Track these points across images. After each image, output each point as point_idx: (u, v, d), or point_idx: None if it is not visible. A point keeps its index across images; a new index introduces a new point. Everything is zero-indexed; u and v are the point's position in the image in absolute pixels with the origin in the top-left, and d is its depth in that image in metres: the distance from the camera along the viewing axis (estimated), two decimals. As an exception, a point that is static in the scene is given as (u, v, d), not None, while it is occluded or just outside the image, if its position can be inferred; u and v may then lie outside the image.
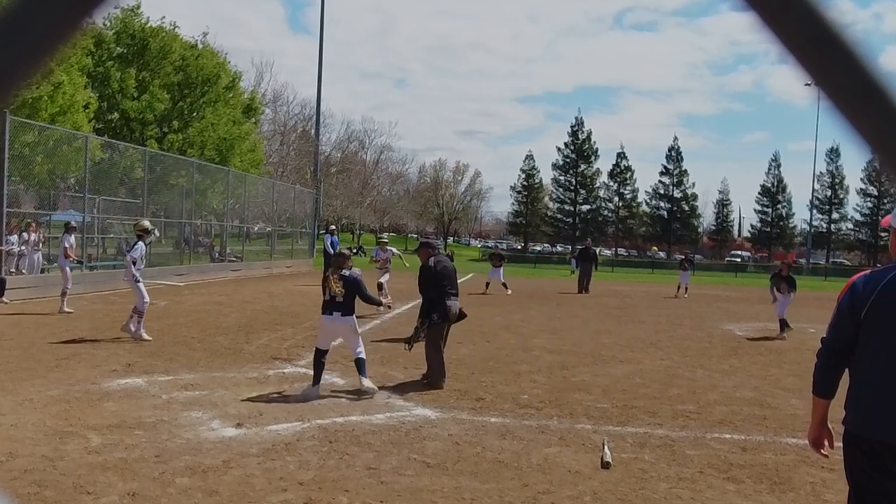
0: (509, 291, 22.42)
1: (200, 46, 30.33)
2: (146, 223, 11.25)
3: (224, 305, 15.83)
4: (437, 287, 8.27)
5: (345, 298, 7.45)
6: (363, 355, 7.61)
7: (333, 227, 25.88)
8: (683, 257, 27.09)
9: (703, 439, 6.37)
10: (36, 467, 4.88)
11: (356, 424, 6.32)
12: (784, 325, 14.36)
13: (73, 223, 14.86)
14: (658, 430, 6.60)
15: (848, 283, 3.02)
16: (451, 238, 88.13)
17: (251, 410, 6.65)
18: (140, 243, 10.82)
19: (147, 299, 10.55)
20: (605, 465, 5.41)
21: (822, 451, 3.14)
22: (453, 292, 8.43)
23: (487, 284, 22.78)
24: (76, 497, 4.42)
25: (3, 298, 13.66)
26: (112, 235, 23.16)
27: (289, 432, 6.00)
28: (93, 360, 8.79)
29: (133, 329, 10.35)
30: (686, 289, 24.53)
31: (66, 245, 13.81)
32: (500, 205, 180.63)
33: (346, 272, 7.51)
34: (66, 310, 13.10)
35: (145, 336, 10.30)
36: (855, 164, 78.50)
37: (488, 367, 9.33)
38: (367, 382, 7.48)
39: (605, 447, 5.69)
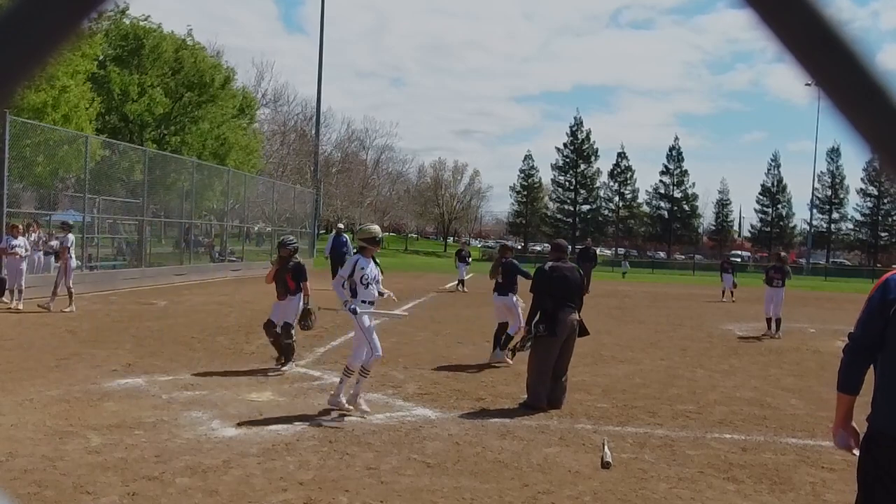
0: (465, 290, 22.63)
1: (190, 44, 30.30)
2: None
3: (224, 305, 15.83)
4: (550, 296, 7.40)
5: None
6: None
7: (341, 225, 24.42)
8: (724, 259, 26.17)
9: (703, 439, 6.37)
10: (36, 467, 4.88)
11: (356, 424, 6.33)
12: (771, 323, 14.28)
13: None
14: (658, 430, 6.60)
15: (880, 280, 3.01)
16: (452, 238, 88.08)
17: (251, 410, 6.65)
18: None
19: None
20: (606, 465, 5.41)
21: (851, 449, 3.07)
22: (571, 304, 7.51)
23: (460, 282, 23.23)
24: (76, 497, 4.42)
25: (3, 298, 13.66)
26: (122, 236, 23.16)
27: (289, 432, 6.00)
28: (93, 360, 8.79)
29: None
30: (731, 292, 23.73)
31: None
32: (499, 205, 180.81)
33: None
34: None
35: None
36: (855, 164, 78.55)
37: (488, 367, 9.33)
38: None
39: (605, 447, 5.69)
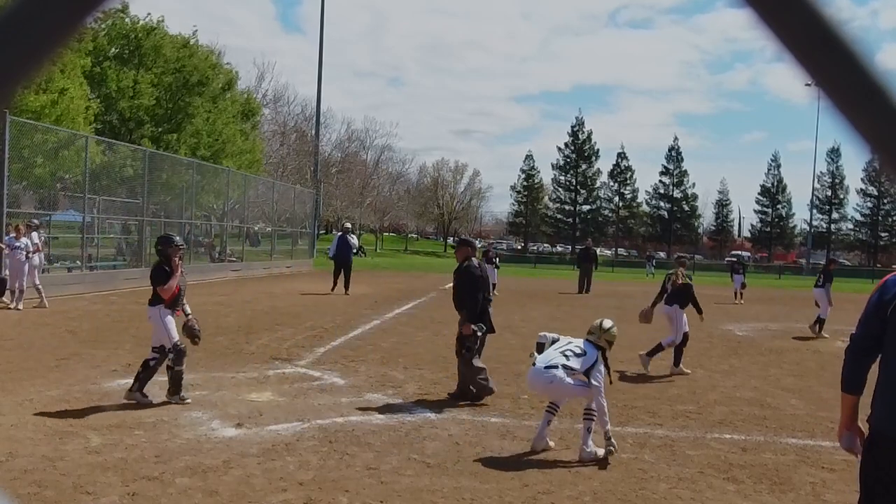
0: (496, 293, 21.86)
1: (192, 43, 30.33)
2: None
3: (224, 305, 15.83)
4: (481, 293, 7.55)
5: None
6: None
7: (348, 224, 22.31)
8: (735, 260, 25.67)
9: (703, 439, 6.37)
10: (36, 467, 4.88)
11: (356, 424, 6.32)
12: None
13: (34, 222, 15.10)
14: (658, 430, 6.60)
15: (881, 281, 3.04)
16: (452, 238, 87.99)
17: (251, 410, 6.65)
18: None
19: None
20: (610, 452, 5.54)
21: (853, 450, 3.07)
22: (490, 299, 7.78)
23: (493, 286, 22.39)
24: (76, 497, 4.42)
25: (3, 298, 13.67)
26: (123, 236, 23.15)
27: (289, 432, 6.00)
28: (93, 360, 8.79)
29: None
30: (740, 293, 23.42)
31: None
32: (499, 205, 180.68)
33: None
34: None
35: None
36: (855, 164, 78.55)
37: (488, 368, 9.31)
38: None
39: (611, 440, 5.70)
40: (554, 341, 5.96)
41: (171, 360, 6.85)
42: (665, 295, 9.97)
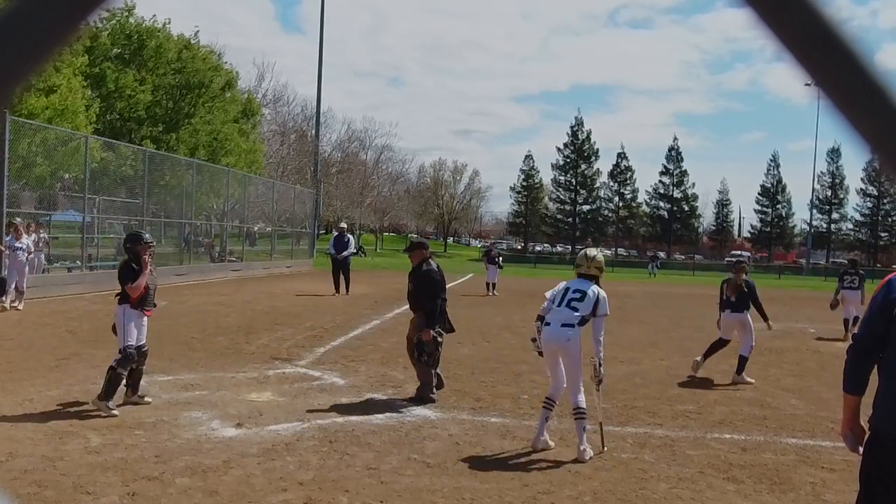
0: (496, 293, 21.83)
1: (193, 43, 30.36)
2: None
3: (224, 305, 15.82)
4: (440, 296, 7.40)
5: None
6: None
7: (343, 224, 22.12)
8: (743, 261, 25.11)
9: (703, 439, 6.37)
10: (36, 467, 4.88)
11: (356, 424, 6.32)
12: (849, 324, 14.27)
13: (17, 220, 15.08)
14: (658, 430, 6.60)
15: (884, 280, 3.02)
16: (452, 238, 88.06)
17: (251, 410, 6.65)
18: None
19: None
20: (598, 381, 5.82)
21: (857, 450, 3.06)
22: (446, 299, 7.59)
23: (488, 286, 22.42)
24: (76, 497, 4.42)
25: (3, 298, 13.66)
26: (122, 236, 23.15)
27: (289, 432, 6.00)
28: (93, 360, 8.80)
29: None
30: None
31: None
32: (499, 205, 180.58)
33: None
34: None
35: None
36: (855, 164, 78.55)
37: (488, 367, 9.32)
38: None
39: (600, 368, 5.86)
40: (552, 301, 6.01)
41: (116, 361, 6.55)
42: (729, 302, 9.49)
